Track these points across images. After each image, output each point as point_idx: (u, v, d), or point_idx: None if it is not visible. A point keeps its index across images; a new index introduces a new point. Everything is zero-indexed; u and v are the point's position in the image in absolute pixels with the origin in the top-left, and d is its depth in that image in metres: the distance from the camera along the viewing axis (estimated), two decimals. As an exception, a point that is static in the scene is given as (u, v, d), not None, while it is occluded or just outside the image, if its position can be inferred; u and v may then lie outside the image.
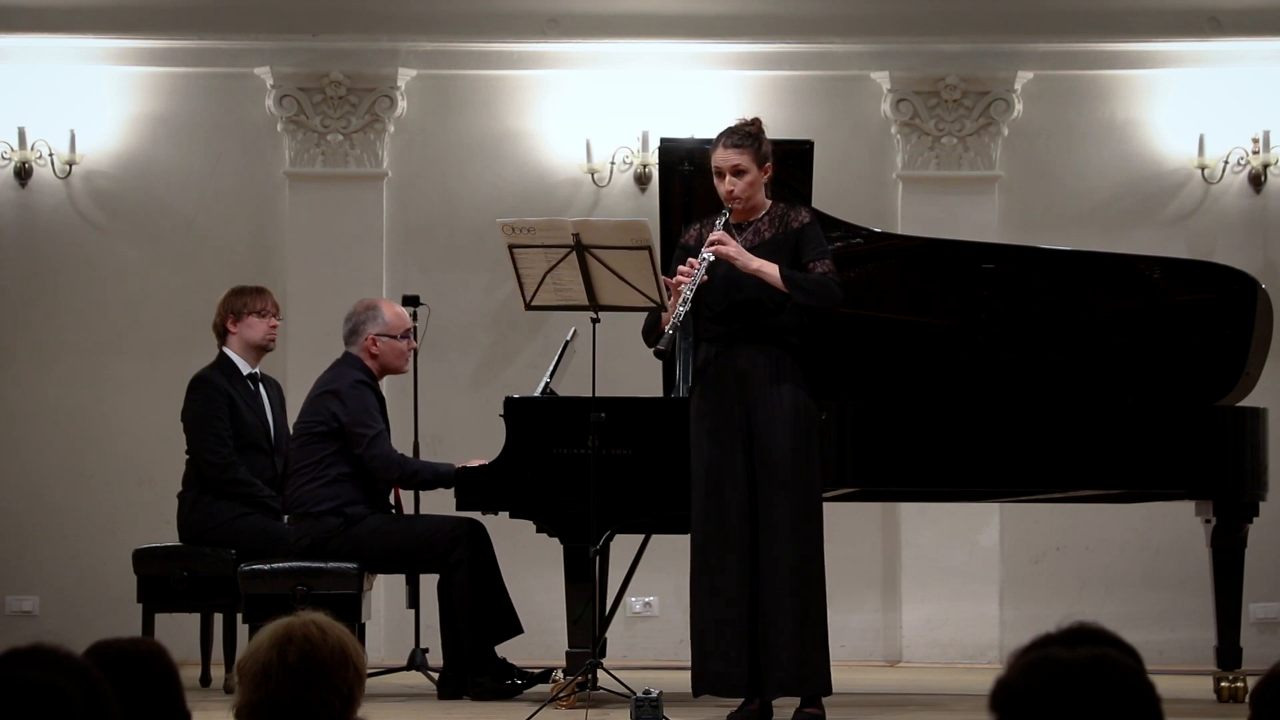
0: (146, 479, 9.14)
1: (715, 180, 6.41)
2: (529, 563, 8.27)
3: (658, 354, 6.31)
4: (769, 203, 6.47)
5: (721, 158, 6.39)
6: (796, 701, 6.42)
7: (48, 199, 9.43)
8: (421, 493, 7.77)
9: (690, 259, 6.31)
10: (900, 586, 9.35)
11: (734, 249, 6.27)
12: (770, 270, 6.26)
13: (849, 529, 8.69)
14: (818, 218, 6.53)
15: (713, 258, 6.25)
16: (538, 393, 7.16)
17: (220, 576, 7.43)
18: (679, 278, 6.26)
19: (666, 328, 6.24)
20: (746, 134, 6.40)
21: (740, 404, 6.32)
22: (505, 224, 6.64)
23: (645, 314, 6.56)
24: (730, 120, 9.06)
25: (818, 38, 9.41)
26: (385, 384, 7.61)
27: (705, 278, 6.24)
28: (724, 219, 6.35)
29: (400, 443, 7.74)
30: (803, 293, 6.28)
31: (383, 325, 7.44)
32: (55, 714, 2.33)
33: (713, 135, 7.76)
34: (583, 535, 6.76)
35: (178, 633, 7.46)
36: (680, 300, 6.21)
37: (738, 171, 6.36)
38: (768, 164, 6.42)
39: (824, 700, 6.40)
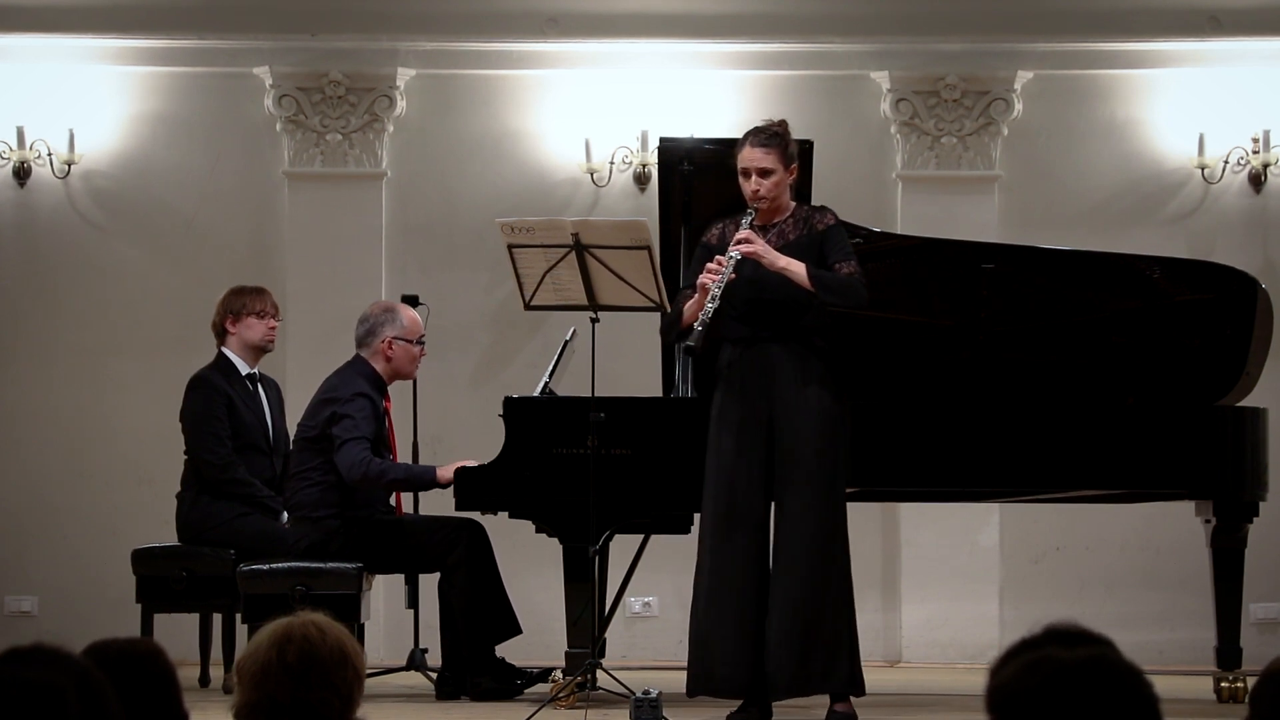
0: (146, 479, 9.14)
1: (741, 180, 6.34)
2: (528, 563, 8.27)
3: (688, 351, 6.26)
4: (793, 205, 6.43)
5: (748, 157, 6.32)
6: (803, 702, 6.41)
7: (47, 199, 9.43)
8: (421, 494, 7.77)
9: (718, 256, 6.25)
10: (900, 586, 9.34)
11: (760, 247, 6.22)
12: (797, 269, 6.21)
13: (849, 529, 8.67)
14: (840, 221, 6.49)
15: (739, 256, 6.21)
16: (537, 392, 7.15)
17: (219, 576, 7.43)
18: (706, 275, 6.20)
19: (696, 324, 6.15)
20: (773, 134, 6.34)
21: (764, 402, 6.27)
22: (504, 224, 6.64)
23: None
24: (730, 119, 9.18)
25: (818, 37, 9.40)
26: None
27: (733, 275, 6.20)
28: (749, 219, 6.30)
29: (400, 443, 7.74)
30: (829, 292, 6.23)
31: (400, 329, 7.44)
32: (52, 714, 2.33)
33: (713, 135, 7.75)
34: (582, 535, 6.76)
35: (176, 633, 7.46)
36: (709, 298, 6.16)
37: (764, 172, 6.30)
38: (794, 165, 6.37)
39: (818, 699, 6.38)
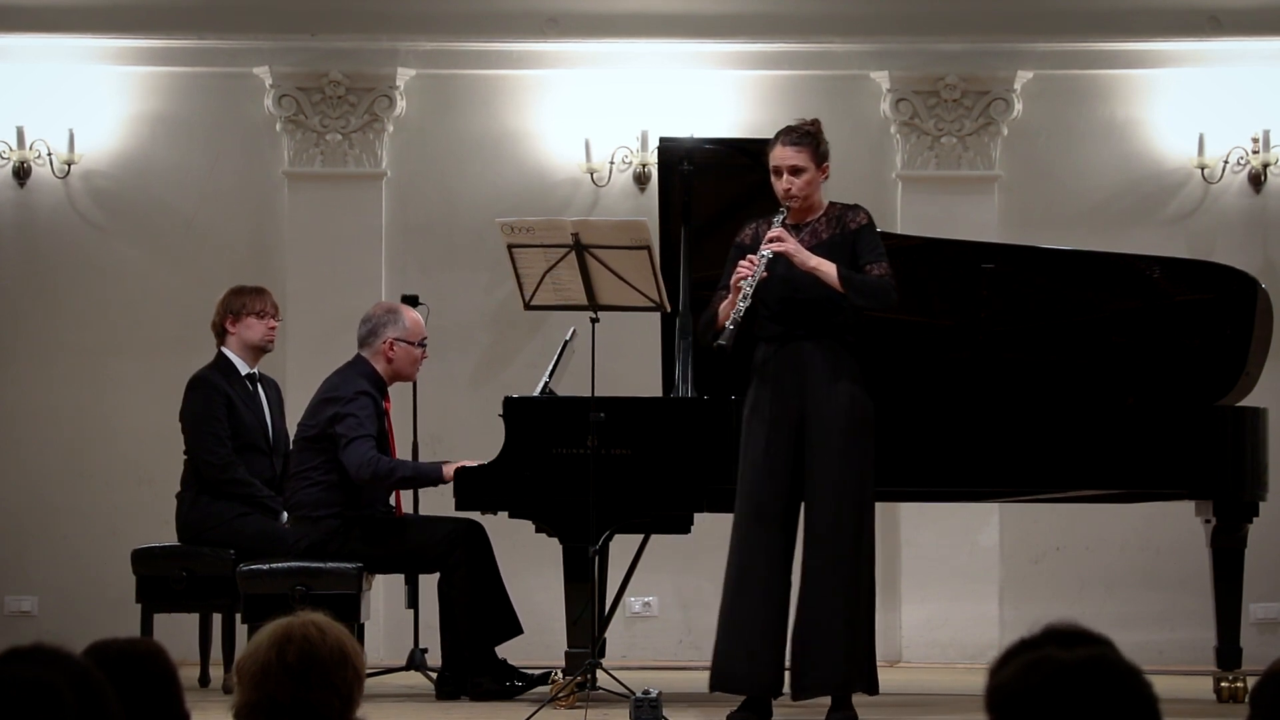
0: (146, 479, 9.14)
1: (773, 179, 6.34)
2: (528, 563, 8.27)
3: (719, 349, 6.21)
4: (826, 203, 6.42)
5: (780, 156, 6.32)
6: (803, 701, 6.41)
7: (46, 199, 9.43)
8: (421, 494, 7.77)
9: (749, 255, 6.26)
10: (900, 586, 9.34)
11: (792, 245, 6.22)
12: (828, 269, 6.20)
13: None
14: (873, 219, 6.46)
15: (771, 255, 6.21)
16: (537, 392, 7.15)
17: (219, 576, 7.43)
18: (738, 274, 6.21)
19: (727, 324, 6.16)
20: (805, 133, 6.33)
21: (796, 400, 6.27)
22: (504, 224, 6.65)
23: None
24: (730, 119, 9.19)
25: (817, 37, 9.40)
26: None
27: (765, 274, 6.20)
28: (781, 218, 6.30)
29: (400, 443, 7.74)
30: (859, 294, 6.23)
31: (402, 330, 7.44)
32: (47, 713, 2.33)
33: (713, 135, 7.74)
34: (582, 535, 6.76)
35: (176, 633, 7.46)
36: (740, 296, 6.16)
37: (795, 170, 6.30)
38: (826, 164, 6.36)
39: (814, 700, 6.39)
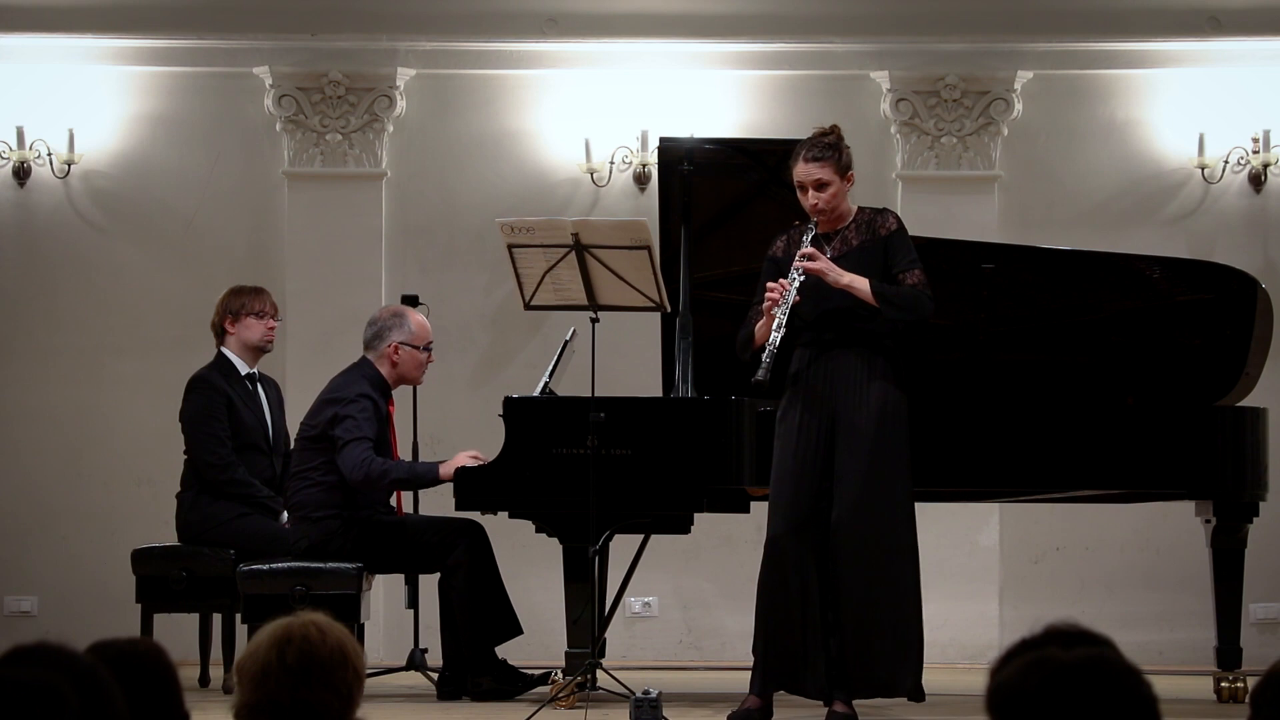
0: (145, 479, 9.14)
1: (799, 194, 6.31)
2: (528, 563, 8.27)
3: (756, 384, 6.12)
4: (854, 209, 6.40)
5: (803, 172, 6.28)
6: (802, 701, 6.41)
7: (46, 199, 9.43)
8: (421, 494, 7.77)
9: (780, 279, 6.22)
10: (900, 586, 9.33)
11: (823, 265, 6.19)
12: (860, 285, 6.18)
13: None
14: (903, 223, 6.44)
15: (802, 276, 6.19)
16: (537, 392, 7.15)
17: (219, 577, 7.43)
18: (769, 301, 6.18)
19: (764, 355, 6.12)
20: (826, 145, 6.29)
21: (827, 404, 6.25)
22: (504, 224, 6.65)
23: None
24: (730, 119, 9.20)
25: (818, 37, 9.40)
26: (384, 384, 7.59)
27: (797, 298, 6.17)
28: (811, 232, 6.27)
29: (401, 443, 7.74)
30: (893, 307, 6.21)
31: (407, 334, 7.44)
32: (48, 714, 2.32)
33: (713, 135, 7.74)
34: (582, 535, 6.76)
35: (176, 633, 7.46)
36: (775, 325, 6.13)
37: (820, 185, 6.26)
38: (850, 172, 6.34)
39: (812, 700, 6.38)
